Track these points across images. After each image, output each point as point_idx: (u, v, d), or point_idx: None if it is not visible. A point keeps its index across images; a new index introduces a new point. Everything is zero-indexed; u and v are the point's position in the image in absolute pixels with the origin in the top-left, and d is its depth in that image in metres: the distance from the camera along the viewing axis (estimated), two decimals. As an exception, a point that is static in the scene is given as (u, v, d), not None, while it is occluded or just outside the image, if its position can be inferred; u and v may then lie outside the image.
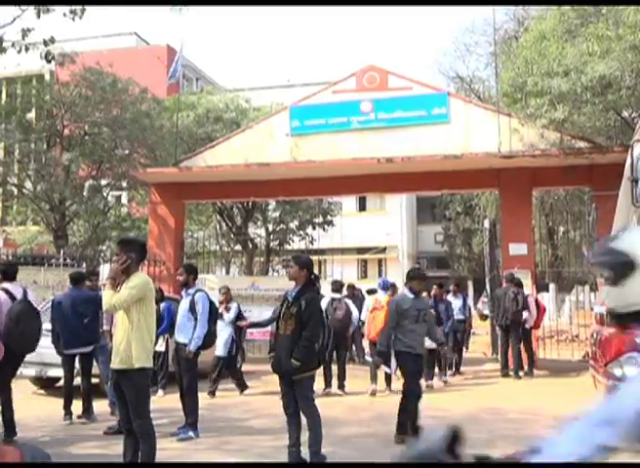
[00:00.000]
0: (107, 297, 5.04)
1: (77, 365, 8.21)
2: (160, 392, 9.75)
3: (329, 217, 23.80)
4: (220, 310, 9.02)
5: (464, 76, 26.40)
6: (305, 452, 5.64)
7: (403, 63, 54.67)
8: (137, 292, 5.02)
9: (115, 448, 5.83)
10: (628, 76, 10.22)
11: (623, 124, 13.74)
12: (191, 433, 7.12)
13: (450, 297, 12.15)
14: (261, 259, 23.63)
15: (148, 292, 5.12)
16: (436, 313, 10.65)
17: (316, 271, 22.03)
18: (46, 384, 10.09)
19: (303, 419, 5.75)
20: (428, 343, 10.39)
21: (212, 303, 7.70)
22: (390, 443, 6.82)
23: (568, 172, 12.30)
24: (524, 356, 11.96)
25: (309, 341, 5.56)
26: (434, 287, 11.56)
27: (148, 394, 5.25)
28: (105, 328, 8.02)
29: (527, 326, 11.96)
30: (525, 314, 11.90)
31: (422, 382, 10.35)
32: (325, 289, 15.92)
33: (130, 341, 5.05)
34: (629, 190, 6.09)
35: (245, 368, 11.39)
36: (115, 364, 5.14)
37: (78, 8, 9.10)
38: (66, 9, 9.25)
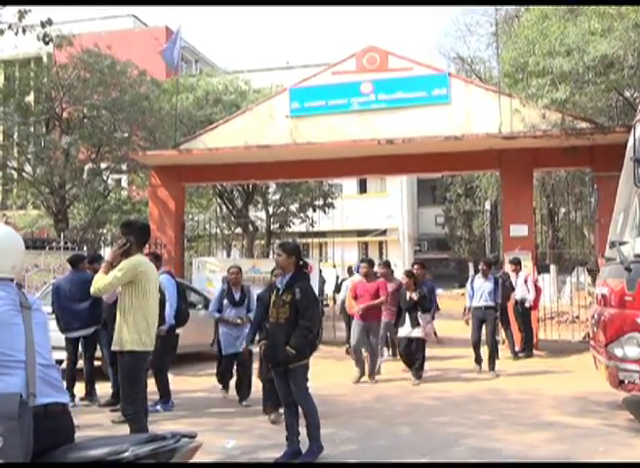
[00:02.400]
0: (94, 281, 5.06)
1: (80, 347, 8.25)
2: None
3: (329, 200, 23.74)
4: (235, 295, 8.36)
5: (465, 57, 26.22)
6: (300, 440, 5.63)
7: (403, 44, 54.32)
8: (123, 276, 4.99)
9: (119, 431, 5.86)
10: (631, 55, 10.11)
11: (625, 104, 13.65)
12: (158, 407, 7.46)
13: (478, 279, 10.57)
14: (262, 242, 23.63)
15: (140, 275, 5.05)
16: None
17: (317, 254, 21.78)
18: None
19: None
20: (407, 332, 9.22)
21: (178, 284, 8.20)
22: (390, 424, 6.87)
23: (569, 152, 12.24)
24: (518, 336, 11.99)
25: (308, 330, 5.47)
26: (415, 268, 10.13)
27: (138, 377, 5.16)
28: None
29: (526, 304, 11.99)
30: (525, 294, 11.92)
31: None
32: (326, 272, 15.99)
33: (122, 324, 5.07)
34: (631, 171, 6.07)
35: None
36: (112, 345, 5.25)
37: None
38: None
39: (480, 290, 10.42)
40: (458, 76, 15.99)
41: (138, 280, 5.04)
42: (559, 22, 11.21)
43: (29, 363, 2.52)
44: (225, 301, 8.29)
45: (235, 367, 8.20)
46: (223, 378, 8.44)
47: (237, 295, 8.34)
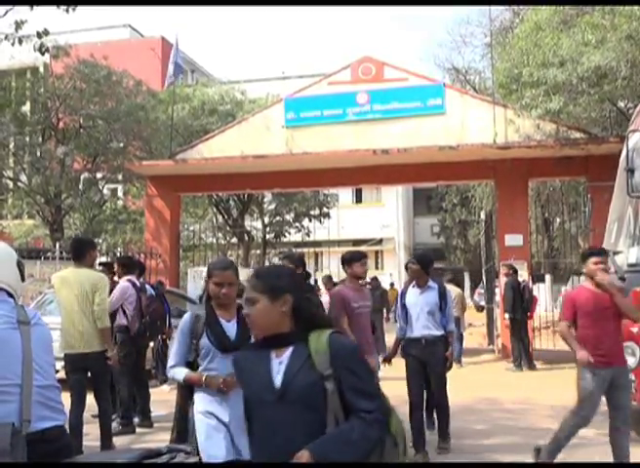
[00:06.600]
0: None
1: None
2: (165, 386, 9.69)
3: (325, 209, 23.78)
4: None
5: (460, 68, 26.33)
6: None
7: (399, 55, 54.59)
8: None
9: (120, 441, 5.84)
10: (624, 66, 10.18)
11: (619, 114, 13.74)
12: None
13: (411, 290, 6.20)
14: (258, 252, 23.63)
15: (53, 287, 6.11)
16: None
17: (312, 263, 21.78)
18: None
19: None
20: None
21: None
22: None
23: (563, 163, 12.31)
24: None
25: None
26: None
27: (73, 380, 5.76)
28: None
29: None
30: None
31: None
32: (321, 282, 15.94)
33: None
34: (625, 181, 6.11)
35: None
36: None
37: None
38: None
39: (416, 308, 6.05)
40: (452, 87, 16.09)
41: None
42: (553, 34, 11.30)
43: (26, 386, 2.35)
44: (205, 343, 3.56)
45: None
46: None
47: (233, 328, 3.60)
